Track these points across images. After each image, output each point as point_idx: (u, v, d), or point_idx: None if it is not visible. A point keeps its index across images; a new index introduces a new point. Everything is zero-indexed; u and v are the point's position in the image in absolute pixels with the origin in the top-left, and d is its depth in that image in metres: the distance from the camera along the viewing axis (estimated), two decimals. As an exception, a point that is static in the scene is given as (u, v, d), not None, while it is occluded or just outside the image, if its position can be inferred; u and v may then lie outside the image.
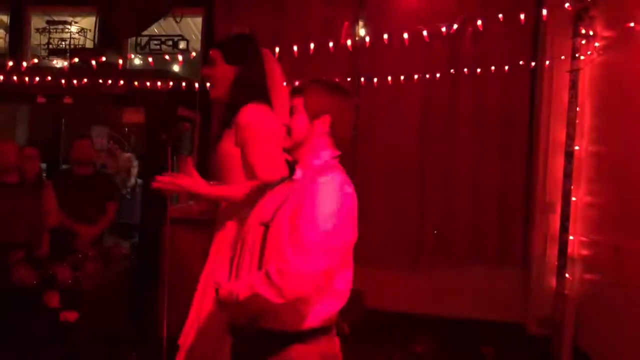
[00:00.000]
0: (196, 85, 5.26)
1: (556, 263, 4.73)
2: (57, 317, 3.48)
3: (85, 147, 4.61)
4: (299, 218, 1.67)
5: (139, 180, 5.30)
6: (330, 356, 1.80)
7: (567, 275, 4.69)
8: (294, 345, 1.71)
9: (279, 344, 1.71)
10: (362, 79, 5.16)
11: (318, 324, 1.75)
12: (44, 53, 6.15)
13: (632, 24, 3.63)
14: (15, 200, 4.03)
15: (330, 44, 4.26)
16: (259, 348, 1.73)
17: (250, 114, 2.26)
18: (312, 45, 4.24)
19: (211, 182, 2.34)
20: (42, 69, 5.40)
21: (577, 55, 4.67)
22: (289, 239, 1.66)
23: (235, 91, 2.34)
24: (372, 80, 5.06)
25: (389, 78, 5.01)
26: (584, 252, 4.69)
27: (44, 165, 5.03)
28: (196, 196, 2.32)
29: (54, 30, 6.18)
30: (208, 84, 2.45)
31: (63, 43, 6.15)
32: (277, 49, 3.61)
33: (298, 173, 1.83)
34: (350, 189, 1.76)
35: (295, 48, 3.89)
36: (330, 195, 1.70)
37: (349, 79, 5.10)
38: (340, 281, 1.81)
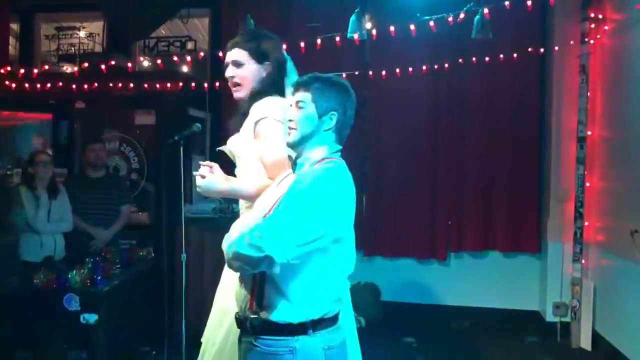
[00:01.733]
0: (205, 85, 5.28)
1: (572, 250, 4.72)
2: (77, 320, 3.52)
3: (98, 150, 4.65)
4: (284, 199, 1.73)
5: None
6: (334, 348, 1.82)
7: (583, 261, 4.68)
8: (298, 337, 1.74)
9: (283, 335, 1.75)
10: (371, 72, 5.15)
11: (321, 315, 1.77)
12: (54, 59, 6.21)
13: (641, 6, 3.60)
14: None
15: (337, 39, 4.25)
16: (264, 339, 1.76)
17: (267, 108, 2.24)
18: (318, 41, 4.25)
19: (229, 177, 2.32)
20: (53, 75, 5.46)
21: (586, 39, 4.64)
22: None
23: (263, 87, 2.33)
24: (381, 73, 5.05)
25: (397, 70, 5.00)
26: (600, 237, 4.66)
27: (65, 170, 5.11)
28: (213, 192, 2.26)
29: (63, 36, 6.24)
30: (234, 86, 2.40)
31: (72, 48, 6.21)
32: (284, 46, 3.62)
33: (299, 167, 1.85)
34: (342, 179, 1.78)
35: (302, 44, 3.89)
36: (311, 175, 1.75)
37: (357, 73, 5.10)
38: (335, 270, 1.81)
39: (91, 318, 3.52)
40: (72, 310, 3.53)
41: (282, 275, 1.72)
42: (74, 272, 3.61)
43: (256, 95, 2.32)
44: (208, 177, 2.15)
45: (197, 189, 2.22)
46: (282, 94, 2.34)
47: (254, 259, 1.66)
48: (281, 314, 1.74)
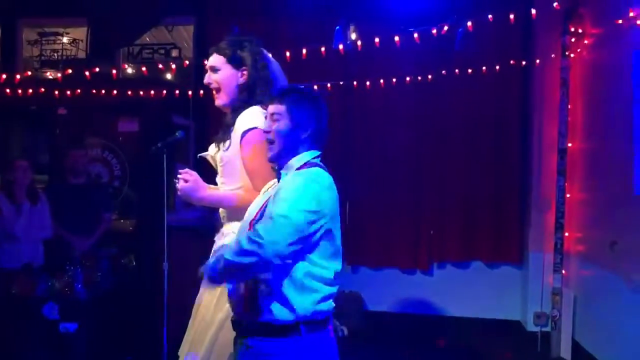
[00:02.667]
0: (189, 93, 5.27)
1: (553, 260, 4.77)
2: (56, 329, 3.48)
3: (79, 157, 4.61)
4: (272, 204, 1.78)
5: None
6: (325, 350, 1.86)
7: (563, 271, 4.73)
8: (290, 339, 1.78)
9: (277, 336, 1.79)
10: (355, 83, 5.18)
11: (312, 318, 1.81)
12: (36, 65, 6.15)
13: (620, 21, 3.66)
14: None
15: (323, 49, 4.28)
16: (258, 341, 1.81)
17: (253, 119, 2.22)
18: (304, 51, 4.27)
19: (211, 186, 2.32)
20: (35, 81, 5.41)
21: (567, 53, 4.72)
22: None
23: (243, 95, 2.33)
24: (365, 83, 5.08)
25: (382, 81, 5.04)
26: (580, 248, 4.72)
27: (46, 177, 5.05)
28: (194, 200, 2.26)
29: (46, 42, 6.18)
30: (215, 93, 2.39)
31: (55, 54, 6.16)
32: (270, 55, 3.63)
33: (283, 177, 1.90)
34: (326, 178, 1.84)
35: (287, 54, 3.91)
36: (297, 177, 1.81)
37: (341, 83, 5.13)
38: (325, 268, 1.84)
39: (71, 327, 3.47)
40: (52, 318, 3.48)
41: (274, 276, 1.77)
42: (54, 280, 3.56)
43: (237, 107, 2.32)
44: (190, 182, 2.18)
45: (178, 192, 2.22)
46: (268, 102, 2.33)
47: (249, 264, 1.70)
48: (275, 314, 1.78)
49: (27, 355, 3.53)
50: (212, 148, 2.41)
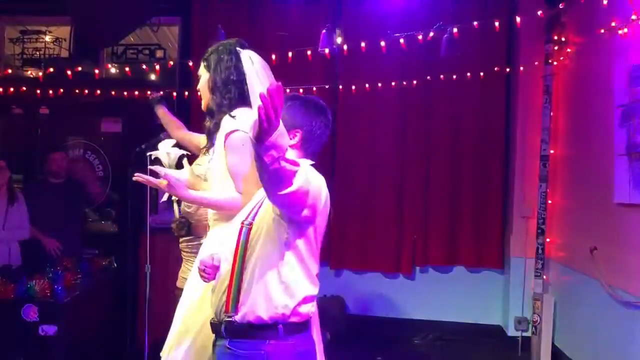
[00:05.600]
0: (174, 94, 5.23)
1: (534, 265, 4.81)
2: (35, 331, 3.43)
3: (59, 160, 4.56)
4: None
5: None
6: (304, 353, 1.86)
7: (544, 277, 4.77)
8: (269, 341, 1.78)
9: (256, 338, 1.79)
10: (341, 86, 5.19)
11: (293, 319, 1.81)
12: (18, 63, 6.07)
13: (602, 30, 3.72)
14: None
15: (309, 52, 4.28)
16: (237, 342, 1.80)
17: (233, 121, 2.20)
18: (290, 54, 4.26)
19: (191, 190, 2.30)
20: (16, 79, 5.33)
21: (550, 61, 4.78)
22: None
23: (213, 99, 2.31)
24: (351, 87, 5.09)
25: (367, 85, 5.05)
26: (561, 253, 4.77)
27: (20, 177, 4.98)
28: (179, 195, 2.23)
29: (28, 40, 6.11)
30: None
31: (37, 53, 6.08)
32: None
33: None
34: (318, 180, 1.82)
35: (273, 57, 3.90)
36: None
37: (327, 86, 5.13)
38: (306, 273, 1.84)
39: (50, 329, 3.42)
40: (31, 321, 3.43)
41: (256, 277, 1.78)
42: (33, 282, 3.51)
43: (210, 111, 2.31)
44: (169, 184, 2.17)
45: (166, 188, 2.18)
46: (243, 102, 2.23)
47: (293, 172, 1.62)
48: (255, 315, 1.78)
49: (5, 358, 3.47)
50: (204, 159, 2.39)
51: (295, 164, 1.60)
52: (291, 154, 1.79)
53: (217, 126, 2.27)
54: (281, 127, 1.49)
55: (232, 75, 2.29)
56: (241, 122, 2.18)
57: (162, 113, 3.33)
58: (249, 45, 2.36)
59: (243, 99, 2.24)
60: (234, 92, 2.27)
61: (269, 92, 1.40)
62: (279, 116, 1.45)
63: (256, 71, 1.84)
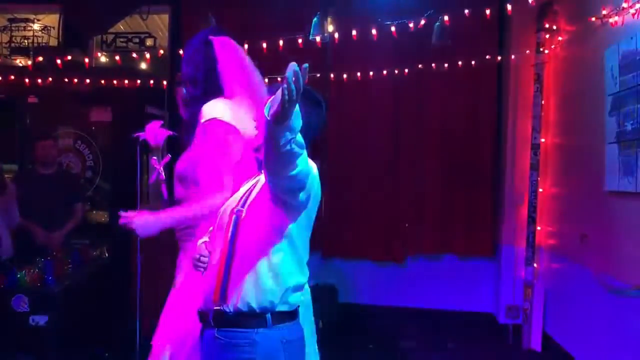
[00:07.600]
0: (164, 83, 5.20)
1: (525, 253, 4.84)
2: (26, 321, 3.41)
3: (48, 147, 4.51)
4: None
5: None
6: (293, 342, 1.85)
7: (535, 264, 4.80)
8: (258, 329, 1.78)
9: (244, 327, 1.78)
10: (332, 75, 5.17)
11: (282, 308, 1.80)
12: (5, 52, 6.00)
13: (593, 19, 3.72)
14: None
15: (300, 40, 4.25)
16: (225, 331, 1.79)
17: (213, 109, 2.14)
18: (280, 42, 4.24)
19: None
20: (4, 68, 5.28)
21: (541, 49, 4.77)
22: None
23: (187, 90, 2.27)
24: (343, 76, 5.07)
25: (359, 74, 5.04)
26: (551, 241, 4.80)
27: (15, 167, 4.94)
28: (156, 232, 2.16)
29: (16, 28, 6.03)
30: None
31: (26, 41, 6.01)
32: (245, 45, 3.60)
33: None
34: (312, 168, 1.81)
35: (264, 45, 3.88)
36: None
37: (318, 75, 5.11)
38: (295, 256, 1.84)
39: (41, 320, 3.41)
40: (21, 311, 3.42)
41: (246, 265, 1.77)
42: (24, 272, 3.49)
43: (185, 101, 2.28)
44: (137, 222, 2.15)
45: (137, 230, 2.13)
46: (214, 90, 2.18)
47: (299, 154, 1.60)
48: (244, 304, 1.77)
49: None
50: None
51: (302, 146, 1.59)
52: None
53: (193, 117, 2.22)
54: (296, 108, 1.48)
55: (203, 64, 2.23)
56: (216, 110, 2.13)
57: None
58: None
59: (216, 89, 2.20)
60: (207, 82, 2.22)
61: (295, 73, 1.38)
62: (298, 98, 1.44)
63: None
